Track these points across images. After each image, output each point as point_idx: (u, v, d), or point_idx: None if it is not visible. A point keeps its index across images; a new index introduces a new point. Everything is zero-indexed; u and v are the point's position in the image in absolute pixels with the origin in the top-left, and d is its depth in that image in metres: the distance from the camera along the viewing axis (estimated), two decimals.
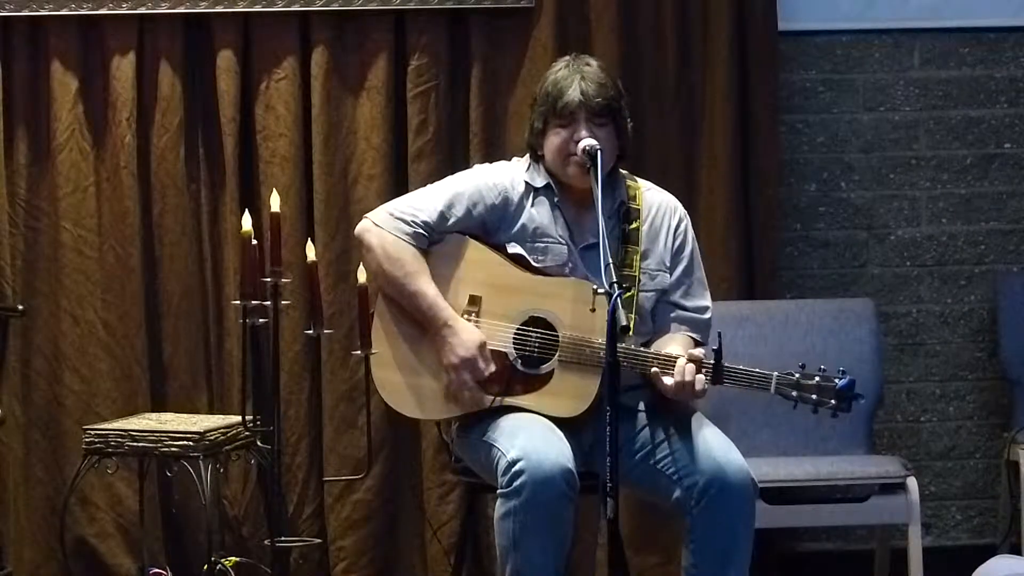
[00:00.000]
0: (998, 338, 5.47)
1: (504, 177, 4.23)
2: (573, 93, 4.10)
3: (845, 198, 5.57)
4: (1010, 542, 5.32)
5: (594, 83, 4.12)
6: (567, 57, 4.25)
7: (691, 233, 4.28)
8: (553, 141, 4.15)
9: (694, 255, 4.26)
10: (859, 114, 5.57)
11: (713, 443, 4.02)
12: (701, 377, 3.96)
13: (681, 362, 3.96)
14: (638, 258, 4.16)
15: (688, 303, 4.22)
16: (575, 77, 4.13)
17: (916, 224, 5.59)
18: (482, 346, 4.09)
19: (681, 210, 4.29)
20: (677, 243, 4.24)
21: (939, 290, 5.59)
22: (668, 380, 3.97)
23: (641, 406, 4.13)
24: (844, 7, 5.54)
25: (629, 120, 4.23)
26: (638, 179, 4.30)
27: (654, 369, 3.99)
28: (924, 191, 5.59)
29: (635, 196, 4.22)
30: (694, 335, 4.20)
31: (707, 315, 4.24)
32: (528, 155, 4.26)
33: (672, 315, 4.21)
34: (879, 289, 5.56)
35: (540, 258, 4.16)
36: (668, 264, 4.22)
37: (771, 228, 5.41)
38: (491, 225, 4.20)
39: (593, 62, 4.20)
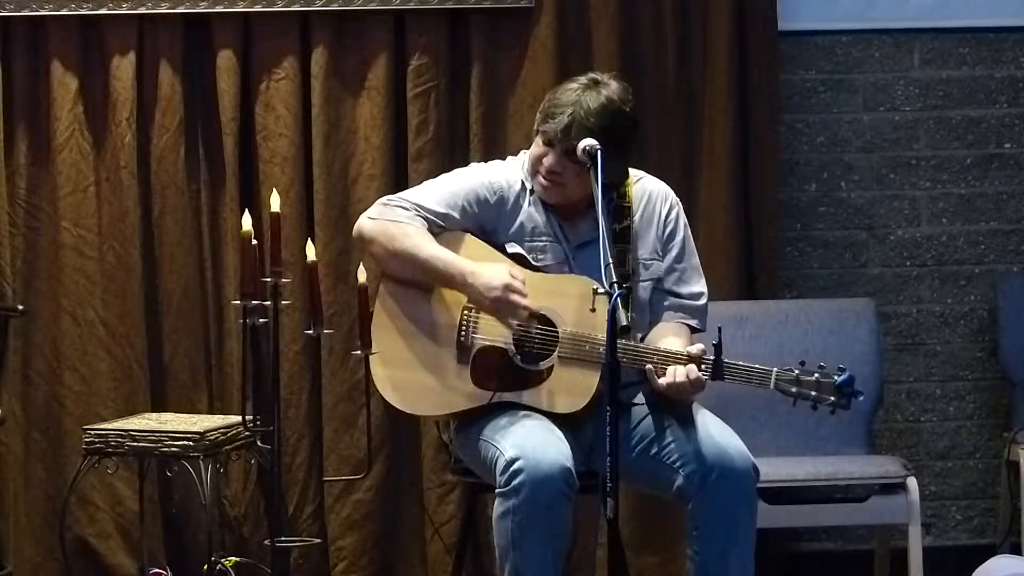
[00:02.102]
0: (998, 338, 5.47)
1: (500, 176, 4.23)
2: (555, 124, 4.06)
3: (845, 198, 5.57)
4: (1010, 542, 5.32)
5: (581, 126, 4.03)
6: (586, 79, 4.14)
7: (683, 220, 4.28)
8: (533, 151, 4.17)
9: (686, 242, 4.26)
10: (859, 114, 5.57)
11: (712, 430, 4.02)
12: (695, 369, 3.96)
13: (672, 369, 3.96)
14: (630, 256, 4.16)
15: (682, 290, 4.22)
16: (568, 109, 4.05)
17: (916, 224, 5.59)
18: (508, 271, 4.07)
19: (672, 197, 4.29)
20: (668, 230, 4.24)
21: (939, 290, 5.59)
22: (663, 381, 3.97)
23: (639, 399, 4.13)
24: (844, 7, 5.54)
25: (627, 154, 4.18)
26: (629, 171, 4.27)
27: (648, 366, 3.99)
28: (924, 191, 5.59)
29: (625, 193, 4.22)
30: (690, 322, 4.20)
31: (702, 301, 4.24)
32: (523, 152, 4.26)
33: (667, 303, 4.21)
34: (879, 289, 5.56)
35: (540, 257, 4.16)
36: (660, 252, 4.22)
37: (771, 228, 5.41)
38: (488, 225, 4.20)
39: (604, 96, 4.08)
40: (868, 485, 4.98)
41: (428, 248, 4.12)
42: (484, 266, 4.10)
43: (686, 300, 4.22)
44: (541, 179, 4.14)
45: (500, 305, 4.06)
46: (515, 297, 4.05)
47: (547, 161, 4.10)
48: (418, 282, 4.17)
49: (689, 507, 3.99)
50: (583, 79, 4.16)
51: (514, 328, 4.09)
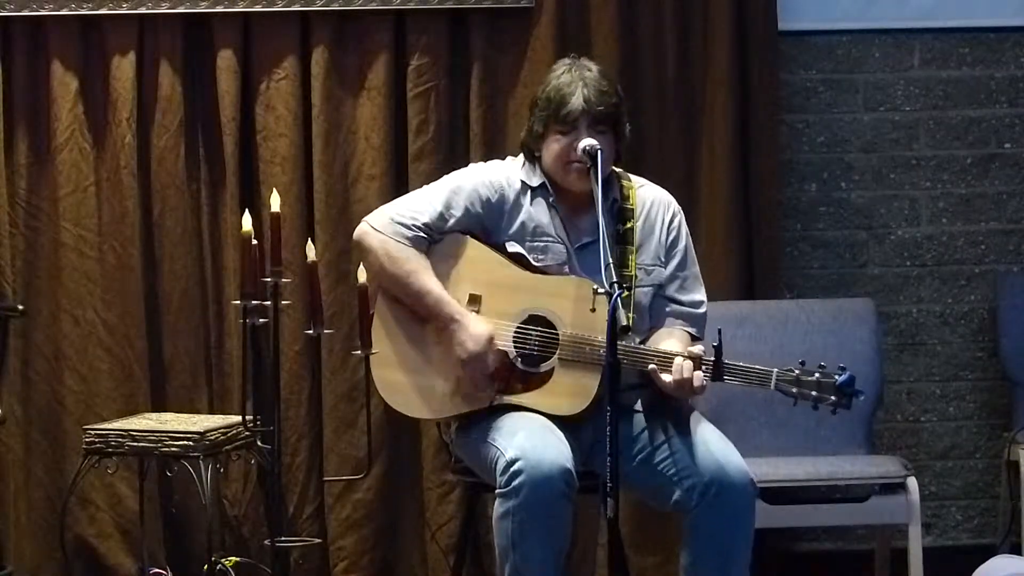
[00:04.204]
0: (998, 338, 5.47)
1: (500, 175, 4.24)
2: (576, 101, 4.10)
3: (845, 198, 5.57)
4: (1010, 542, 5.32)
5: (596, 90, 4.12)
6: (567, 60, 4.25)
7: (684, 228, 4.28)
8: (553, 148, 4.15)
9: (688, 249, 4.27)
10: (859, 114, 5.57)
11: (712, 444, 4.02)
12: (699, 374, 3.96)
13: (679, 360, 3.96)
14: (633, 257, 4.16)
15: (683, 297, 4.23)
16: (578, 84, 4.12)
17: (916, 224, 5.59)
18: (491, 340, 4.09)
19: (675, 205, 4.30)
20: (671, 238, 4.24)
21: (939, 290, 5.59)
22: (667, 377, 3.97)
23: (639, 406, 4.13)
24: (844, 7, 5.54)
25: (627, 125, 4.23)
26: (631, 176, 4.30)
27: (652, 366, 3.99)
28: (924, 191, 5.59)
29: (629, 195, 4.22)
30: (690, 329, 4.21)
31: (702, 309, 4.24)
32: (522, 155, 4.26)
33: (667, 309, 4.21)
34: (879, 289, 5.56)
35: (540, 257, 4.16)
36: (663, 259, 4.22)
37: (771, 228, 5.40)
38: (490, 224, 4.20)
39: (594, 67, 4.20)
40: (868, 485, 4.98)
41: (421, 279, 4.14)
42: (471, 321, 4.11)
43: (687, 308, 4.22)
44: (577, 166, 4.11)
45: (465, 370, 4.10)
46: (477, 371, 4.08)
47: (583, 143, 4.08)
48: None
49: (687, 521, 3.99)
50: (561, 65, 4.21)
51: (512, 336, 4.09)
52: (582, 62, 4.22)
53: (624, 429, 3.91)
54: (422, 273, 4.14)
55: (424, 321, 4.17)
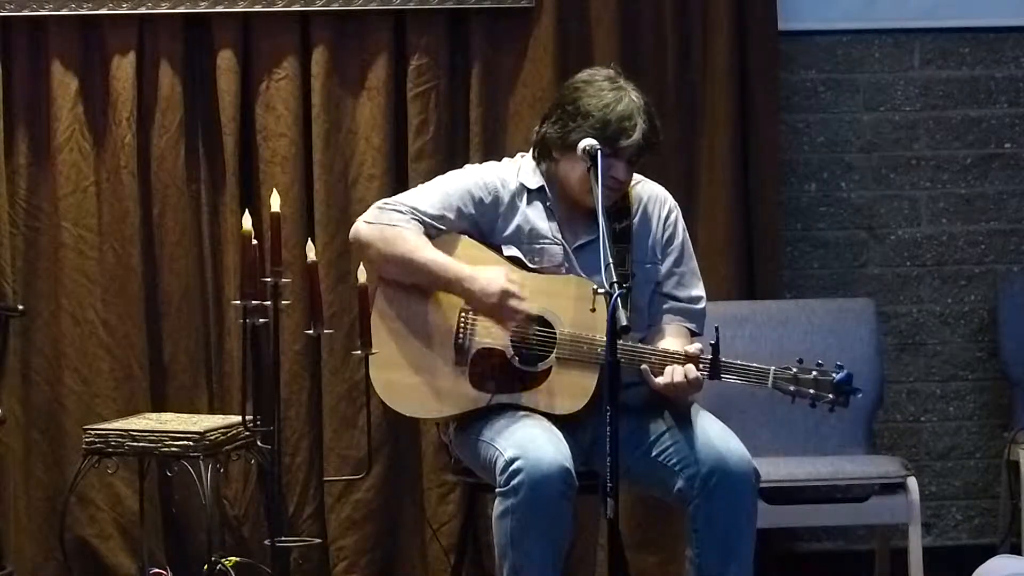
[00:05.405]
0: (998, 338, 5.47)
1: (494, 177, 4.21)
2: (635, 137, 4.04)
3: (845, 198, 5.57)
4: (1010, 542, 5.32)
5: (650, 126, 4.07)
6: (608, 72, 4.16)
7: (681, 224, 4.27)
8: (581, 169, 4.07)
9: (685, 245, 4.26)
10: (859, 114, 5.57)
11: (712, 432, 4.02)
12: (693, 367, 3.96)
13: (669, 368, 3.96)
14: (630, 255, 4.15)
15: (681, 293, 4.22)
16: (637, 118, 4.06)
17: (916, 224, 5.59)
18: (505, 275, 4.07)
19: (671, 201, 4.28)
20: (667, 234, 4.24)
21: (939, 290, 5.59)
22: (660, 380, 3.97)
23: (639, 402, 4.13)
24: (844, 7, 5.54)
25: None
26: None
27: (644, 367, 3.99)
28: (924, 191, 5.59)
29: (625, 193, 4.21)
30: (689, 325, 4.20)
31: (700, 305, 4.24)
32: (525, 154, 4.24)
33: (665, 306, 4.21)
34: (879, 289, 5.56)
35: (536, 259, 4.15)
36: (659, 255, 4.22)
37: (771, 228, 5.40)
38: (484, 226, 4.19)
39: (638, 93, 4.12)
40: (868, 485, 4.98)
41: (424, 252, 4.12)
42: (481, 270, 4.09)
43: (684, 304, 4.22)
44: (609, 193, 4.06)
45: (498, 311, 4.07)
46: (513, 302, 4.06)
47: (617, 174, 4.06)
48: (415, 285, 4.16)
49: (689, 510, 3.99)
50: (606, 81, 4.12)
51: (512, 330, 4.09)
52: (625, 83, 4.13)
53: (623, 425, 3.90)
54: (422, 246, 4.12)
55: (424, 318, 4.17)
